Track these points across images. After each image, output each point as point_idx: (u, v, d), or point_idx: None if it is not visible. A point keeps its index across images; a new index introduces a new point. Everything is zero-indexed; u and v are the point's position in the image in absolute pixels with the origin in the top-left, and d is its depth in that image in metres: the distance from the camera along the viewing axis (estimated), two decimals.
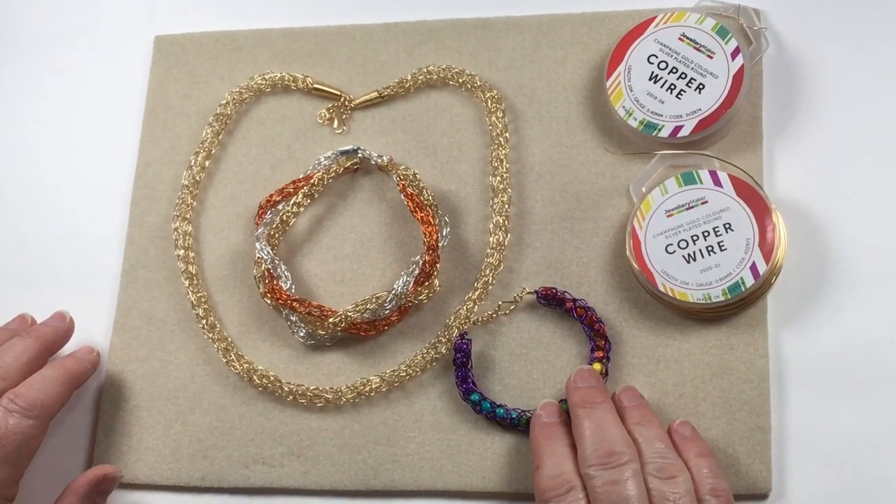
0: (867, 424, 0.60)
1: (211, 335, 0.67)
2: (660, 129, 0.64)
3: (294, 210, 0.67)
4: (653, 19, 0.66)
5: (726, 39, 0.64)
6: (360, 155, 0.68)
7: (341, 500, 0.64)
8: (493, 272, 0.65)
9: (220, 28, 0.74)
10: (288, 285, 0.65)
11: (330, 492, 0.64)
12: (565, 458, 0.58)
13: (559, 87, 0.68)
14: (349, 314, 0.64)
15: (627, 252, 0.63)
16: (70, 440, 0.67)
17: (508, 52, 0.70)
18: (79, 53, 0.76)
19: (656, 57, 0.65)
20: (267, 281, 0.65)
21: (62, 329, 0.67)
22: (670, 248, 0.62)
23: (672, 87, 0.64)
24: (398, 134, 0.70)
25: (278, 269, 0.66)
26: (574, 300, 0.64)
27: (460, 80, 0.69)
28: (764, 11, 0.67)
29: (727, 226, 0.61)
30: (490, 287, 0.65)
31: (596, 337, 0.63)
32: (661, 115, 0.64)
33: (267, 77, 0.71)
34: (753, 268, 0.60)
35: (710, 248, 0.61)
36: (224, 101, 0.71)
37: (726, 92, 0.63)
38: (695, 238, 0.61)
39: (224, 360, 0.66)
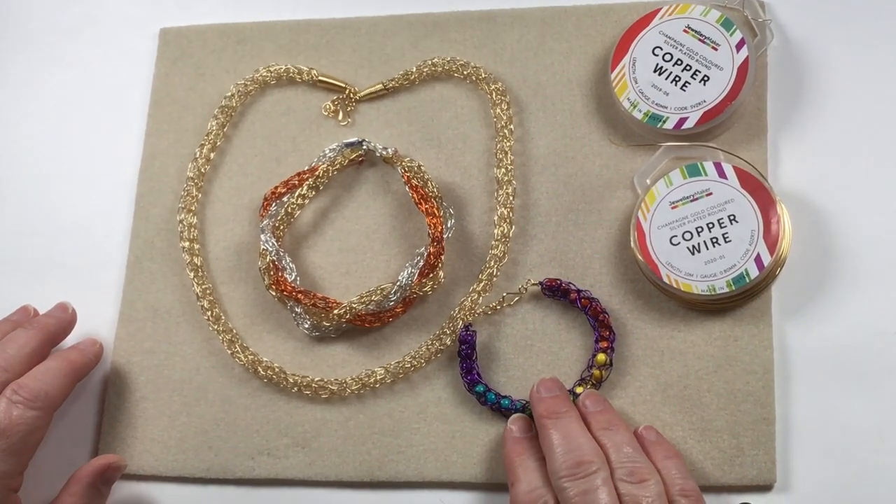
0: (871, 415, 0.60)
1: (216, 327, 0.67)
2: (664, 121, 0.64)
3: (299, 202, 0.67)
4: (657, 11, 0.66)
5: (731, 31, 0.64)
6: (364, 147, 0.68)
7: (346, 491, 0.64)
8: (498, 264, 0.65)
9: (225, 21, 0.74)
10: (293, 277, 0.66)
11: (335, 483, 0.64)
12: (537, 471, 0.58)
13: (564, 79, 0.68)
14: (354, 306, 0.64)
15: (632, 244, 0.63)
16: (75, 431, 0.67)
17: (513, 45, 0.70)
18: (84, 46, 0.76)
19: (661, 49, 0.65)
20: (272, 273, 0.66)
21: (65, 320, 0.67)
22: (675, 240, 0.62)
23: (677, 78, 0.64)
24: (403, 126, 0.70)
25: (283, 261, 0.66)
26: (579, 291, 0.64)
27: (465, 73, 0.69)
28: (769, 3, 0.68)
29: (732, 217, 0.61)
30: (495, 279, 0.65)
31: (601, 328, 0.63)
32: (666, 107, 0.64)
33: (272, 69, 0.71)
34: (758, 259, 0.60)
35: (714, 240, 0.61)
36: (229, 94, 0.71)
37: (731, 84, 0.63)
38: (699, 230, 0.61)
39: (229, 352, 0.66)
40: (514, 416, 0.62)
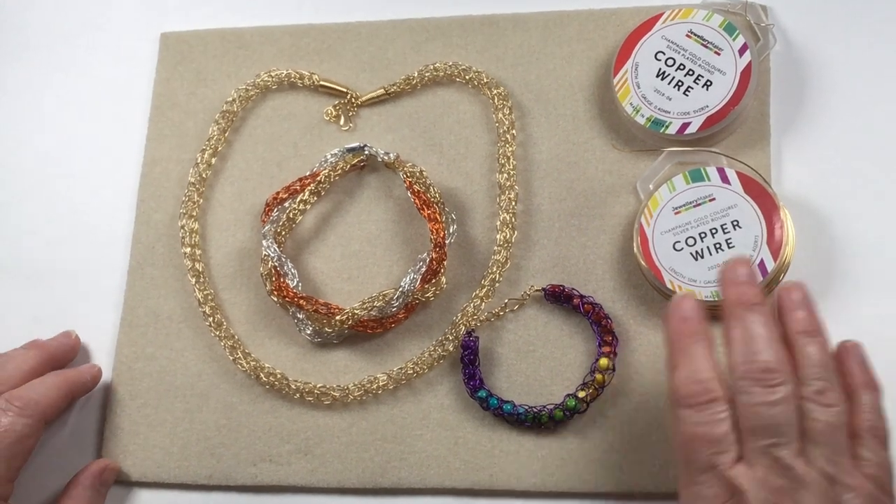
0: None
1: (218, 333, 0.67)
2: (667, 126, 0.64)
3: (301, 207, 0.67)
4: (660, 16, 0.66)
5: (734, 36, 0.64)
6: (366, 152, 0.68)
7: (349, 497, 0.64)
8: (501, 269, 0.65)
9: (226, 25, 0.74)
10: (295, 283, 0.65)
11: (337, 490, 0.64)
12: (706, 360, 0.52)
13: (566, 83, 0.68)
14: (356, 312, 0.64)
15: (635, 249, 0.63)
16: (78, 438, 0.67)
17: (515, 49, 0.69)
18: (85, 51, 0.76)
19: (664, 54, 0.65)
20: (274, 278, 0.65)
21: (67, 345, 0.68)
22: (678, 246, 0.62)
23: (679, 83, 0.64)
24: (405, 131, 0.69)
25: (285, 267, 0.66)
26: (581, 297, 0.63)
27: (467, 77, 0.69)
28: (771, 8, 0.67)
29: (735, 223, 0.61)
30: (497, 284, 0.65)
31: (603, 333, 0.63)
32: (669, 112, 0.64)
33: (273, 74, 0.71)
34: (761, 265, 0.60)
35: (717, 246, 0.61)
36: (230, 99, 0.71)
37: (734, 89, 0.63)
38: (702, 235, 0.61)
39: (231, 358, 0.66)
40: (682, 293, 0.55)
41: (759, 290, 0.53)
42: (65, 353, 0.68)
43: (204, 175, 0.70)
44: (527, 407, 0.62)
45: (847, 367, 0.53)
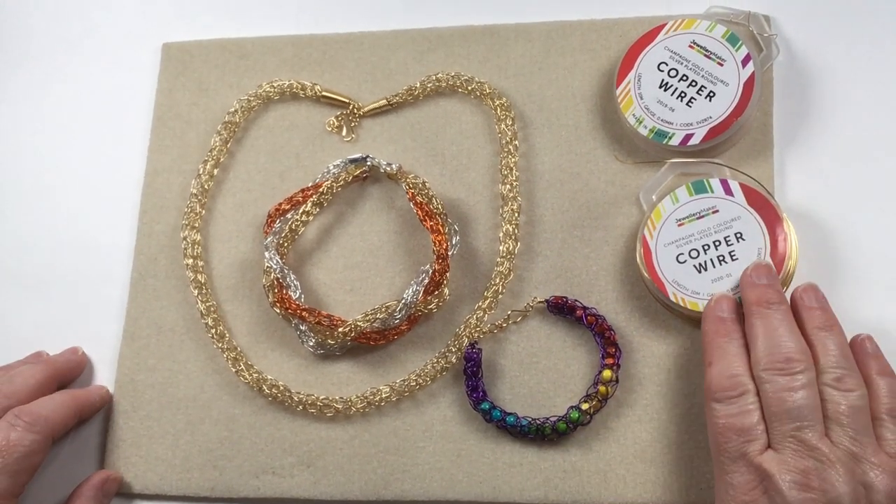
0: None
1: (220, 345, 0.67)
2: (670, 138, 0.64)
3: (303, 219, 0.67)
4: (663, 26, 0.66)
5: (737, 46, 0.64)
6: (368, 163, 0.68)
7: None
8: (503, 281, 0.65)
9: (227, 35, 0.74)
10: (297, 294, 0.65)
11: (340, 502, 0.64)
12: (739, 358, 0.56)
13: (569, 94, 0.68)
14: (359, 323, 0.63)
15: (638, 261, 0.63)
16: (80, 450, 0.67)
17: (518, 60, 0.69)
18: (86, 61, 0.76)
19: (666, 64, 0.65)
20: (276, 290, 0.65)
21: (73, 360, 0.68)
22: (681, 258, 0.61)
23: (682, 94, 0.64)
24: (407, 142, 0.69)
25: (287, 279, 0.65)
26: (584, 308, 0.63)
27: (469, 88, 0.69)
28: (774, 18, 0.67)
29: (738, 235, 0.61)
30: (500, 296, 0.65)
31: (606, 345, 0.63)
32: (672, 123, 0.64)
33: (275, 85, 0.71)
34: None
35: (721, 258, 0.61)
36: (232, 109, 0.71)
37: (737, 99, 0.63)
38: (706, 247, 0.61)
39: (233, 370, 0.66)
40: (720, 294, 0.60)
41: (779, 291, 0.58)
42: (71, 370, 0.68)
43: (206, 186, 0.70)
44: (530, 419, 0.62)
45: (861, 358, 0.57)
